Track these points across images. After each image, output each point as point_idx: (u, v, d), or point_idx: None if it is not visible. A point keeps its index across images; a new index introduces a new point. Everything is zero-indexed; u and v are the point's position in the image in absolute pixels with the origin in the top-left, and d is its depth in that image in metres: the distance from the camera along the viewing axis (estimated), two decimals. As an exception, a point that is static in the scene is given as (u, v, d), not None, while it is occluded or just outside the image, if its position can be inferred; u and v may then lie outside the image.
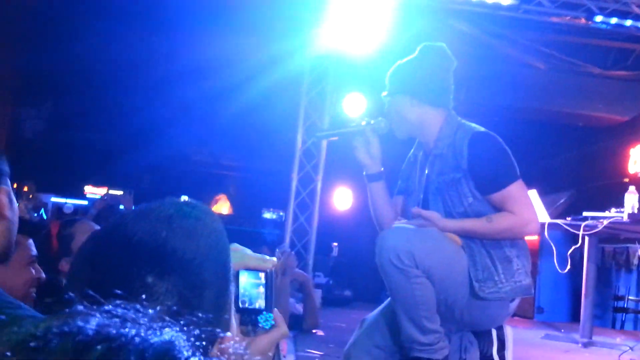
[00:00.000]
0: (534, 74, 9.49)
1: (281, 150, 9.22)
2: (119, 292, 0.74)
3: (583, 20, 7.82)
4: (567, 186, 10.24)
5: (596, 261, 6.37)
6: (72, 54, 9.46)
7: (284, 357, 4.33)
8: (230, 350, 0.83)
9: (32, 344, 0.57)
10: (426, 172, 2.93)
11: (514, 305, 2.86)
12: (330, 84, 8.38)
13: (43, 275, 2.29)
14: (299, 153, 8.36)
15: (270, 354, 1.30)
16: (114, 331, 0.59)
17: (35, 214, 8.25)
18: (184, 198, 1.02)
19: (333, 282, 9.08)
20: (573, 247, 5.64)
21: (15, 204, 1.52)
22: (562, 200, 9.18)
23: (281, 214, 12.16)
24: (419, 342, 2.69)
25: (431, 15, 8.08)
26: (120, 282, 0.82)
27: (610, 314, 8.94)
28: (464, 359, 2.89)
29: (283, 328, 1.30)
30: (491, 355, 2.87)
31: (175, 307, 0.83)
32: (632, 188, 5.44)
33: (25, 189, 9.80)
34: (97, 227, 2.28)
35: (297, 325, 5.59)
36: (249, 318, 1.27)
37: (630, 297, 8.76)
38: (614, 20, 7.81)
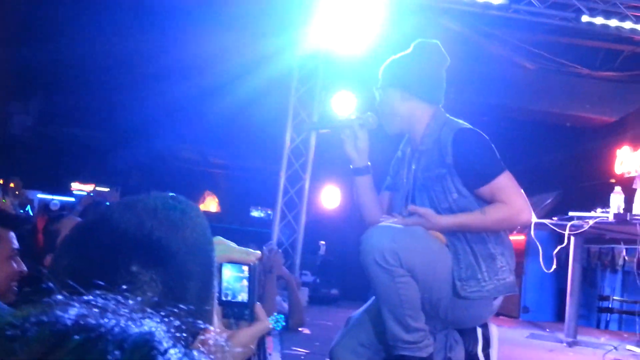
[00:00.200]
0: (523, 73, 9.53)
1: (270, 149, 9.22)
2: (102, 282, 0.73)
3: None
4: (554, 186, 10.30)
5: (581, 261, 6.42)
6: (61, 50, 9.43)
7: (270, 354, 4.32)
8: (211, 341, 0.82)
9: (8, 333, 0.56)
10: (413, 168, 2.94)
11: (497, 302, 2.87)
12: (319, 82, 8.37)
13: (25, 268, 2.27)
14: (287, 151, 8.35)
15: (253, 347, 1.29)
16: (93, 321, 0.58)
17: (22, 211, 8.20)
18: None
19: (320, 280, 9.08)
20: (559, 247, 5.67)
21: None
22: (549, 201, 9.24)
23: (269, 212, 12.16)
24: (403, 341, 2.70)
25: (421, 13, 8.10)
26: (104, 271, 0.82)
27: (595, 314, 9.00)
28: (449, 357, 2.90)
29: (265, 322, 1.29)
30: (476, 353, 2.88)
31: (158, 298, 0.83)
32: (617, 188, 5.47)
33: (12, 185, 9.73)
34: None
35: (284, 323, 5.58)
36: (232, 311, 1.26)
37: (615, 298, 8.81)
38: (600, 21, 7.85)
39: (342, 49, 7.78)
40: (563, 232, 5.55)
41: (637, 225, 5.26)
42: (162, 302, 0.80)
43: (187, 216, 0.94)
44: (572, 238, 5.91)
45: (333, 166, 8.09)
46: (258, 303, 1.29)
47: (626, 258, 8.32)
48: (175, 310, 0.71)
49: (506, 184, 2.75)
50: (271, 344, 4.70)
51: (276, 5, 8.01)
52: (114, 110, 12.22)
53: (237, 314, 1.26)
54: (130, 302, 0.64)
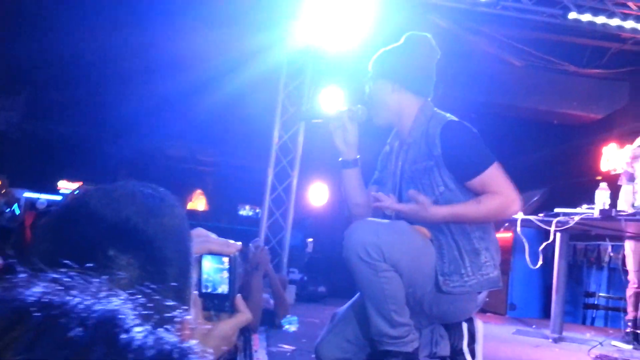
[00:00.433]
0: (510, 70, 9.56)
1: (258, 146, 9.20)
2: (79, 265, 0.72)
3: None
4: (542, 184, 10.32)
5: (567, 258, 6.44)
6: (47, 46, 9.37)
7: (256, 352, 4.30)
8: (189, 326, 0.82)
9: (-33, 310, 0.55)
10: (400, 161, 2.94)
11: (482, 297, 2.87)
12: (308, 78, 8.36)
13: (1, 261, 2.25)
14: (275, 147, 8.33)
15: (234, 339, 1.28)
16: (56, 299, 0.57)
17: (8, 209, 8.16)
18: None
19: (308, 278, 9.06)
20: (545, 244, 5.68)
21: None
22: (535, 198, 9.24)
23: (257, 210, 12.14)
24: (388, 336, 2.69)
25: (410, 9, 8.10)
26: (81, 254, 0.81)
27: (581, 311, 9.04)
28: (435, 352, 2.90)
29: (246, 313, 1.28)
30: (461, 348, 2.88)
31: (135, 282, 0.82)
32: (603, 184, 5.48)
33: (-2, 182, 9.68)
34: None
35: (270, 320, 5.56)
36: (212, 303, 1.25)
37: (600, 294, 8.85)
38: (587, 18, 7.88)
39: (330, 45, 7.77)
40: (549, 228, 5.56)
41: (622, 221, 5.28)
42: (137, 285, 0.80)
43: (165, 204, 0.94)
44: (558, 235, 5.94)
45: (321, 163, 8.08)
46: (239, 295, 1.28)
47: (612, 255, 8.35)
48: (147, 290, 0.71)
49: (497, 175, 2.76)
50: (257, 341, 4.69)
51: (265, 0, 7.99)
52: (101, 107, 12.17)
53: (217, 306, 1.25)
54: (96, 280, 0.63)
